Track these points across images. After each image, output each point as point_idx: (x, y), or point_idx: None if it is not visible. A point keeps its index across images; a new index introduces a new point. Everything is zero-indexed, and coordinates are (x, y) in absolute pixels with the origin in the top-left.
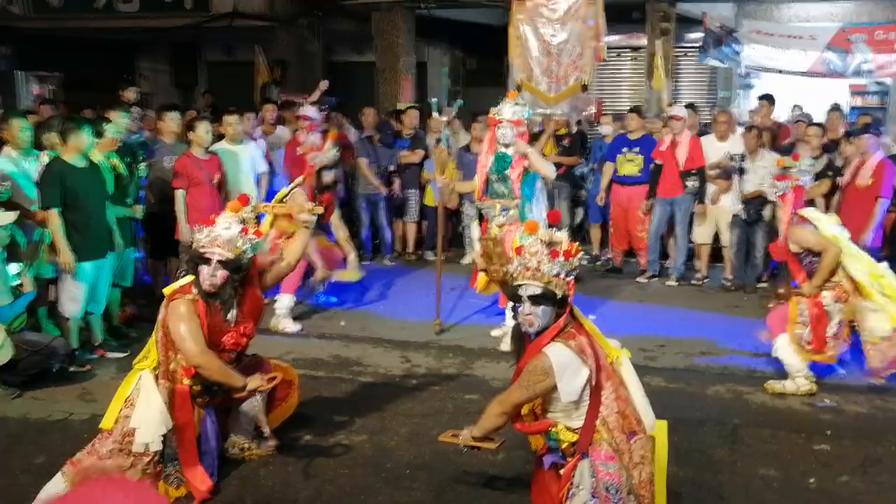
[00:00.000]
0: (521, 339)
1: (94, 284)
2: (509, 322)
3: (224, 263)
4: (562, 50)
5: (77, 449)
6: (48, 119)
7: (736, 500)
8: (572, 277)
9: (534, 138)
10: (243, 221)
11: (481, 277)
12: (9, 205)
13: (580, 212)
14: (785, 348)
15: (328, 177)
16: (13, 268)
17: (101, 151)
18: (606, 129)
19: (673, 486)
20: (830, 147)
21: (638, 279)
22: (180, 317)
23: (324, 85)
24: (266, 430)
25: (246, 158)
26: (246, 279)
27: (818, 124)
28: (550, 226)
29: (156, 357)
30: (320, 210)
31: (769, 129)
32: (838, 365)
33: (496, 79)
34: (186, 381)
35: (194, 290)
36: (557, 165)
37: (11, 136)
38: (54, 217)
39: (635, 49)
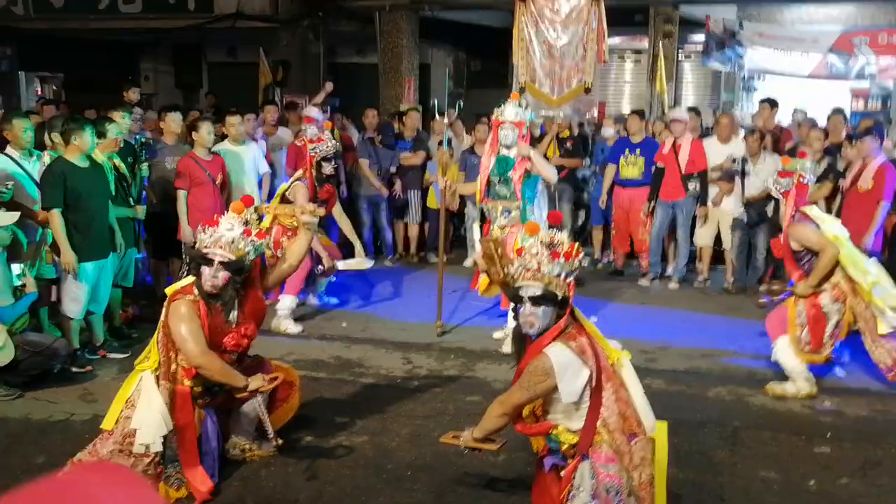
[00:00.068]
0: (523, 341)
1: (95, 285)
2: (511, 324)
3: (226, 265)
4: (565, 52)
5: (78, 449)
6: (50, 119)
7: (736, 502)
8: (573, 278)
9: (535, 141)
10: (246, 223)
11: (483, 279)
12: (11, 205)
13: (582, 214)
14: (784, 351)
15: (328, 168)
16: (16, 268)
17: (103, 152)
18: (609, 131)
19: (673, 488)
20: (832, 150)
21: (639, 281)
22: (181, 317)
23: (329, 87)
24: (270, 431)
25: (249, 159)
26: (248, 280)
27: (820, 128)
28: (551, 227)
29: (157, 358)
30: (322, 212)
31: (771, 133)
32: (838, 367)
33: (499, 81)
34: (187, 382)
35: (195, 291)
36: (560, 168)
37: (13, 137)
38: (56, 217)
39: (638, 52)
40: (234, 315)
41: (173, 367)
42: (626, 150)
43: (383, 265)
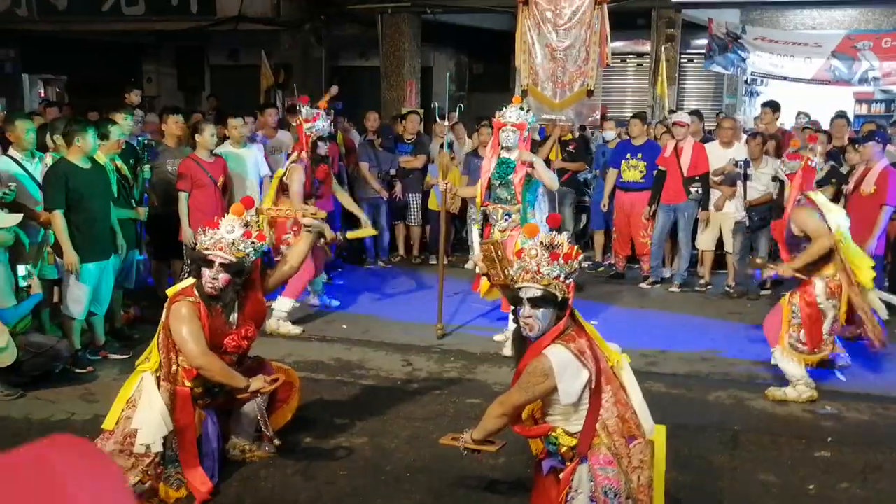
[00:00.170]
0: (523, 343)
1: (97, 286)
2: (511, 327)
3: (226, 266)
4: (567, 55)
5: None
6: (52, 121)
7: None
8: (572, 280)
9: (536, 145)
10: (246, 224)
11: (484, 282)
12: (13, 206)
13: (584, 217)
14: (779, 353)
15: (323, 148)
16: (21, 269)
17: (105, 153)
18: (610, 134)
19: (673, 492)
20: (835, 154)
21: (641, 285)
22: (181, 319)
23: (334, 90)
24: (268, 431)
25: (250, 161)
26: (248, 282)
27: (823, 131)
28: (551, 229)
29: (157, 359)
30: (323, 214)
31: (773, 136)
32: (839, 372)
33: (501, 84)
34: (188, 383)
35: (196, 293)
36: (562, 171)
37: (16, 138)
38: (58, 218)
39: (640, 55)
40: (234, 317)
41: (174, 368)
42: (628, 154)
43: (376, 265)
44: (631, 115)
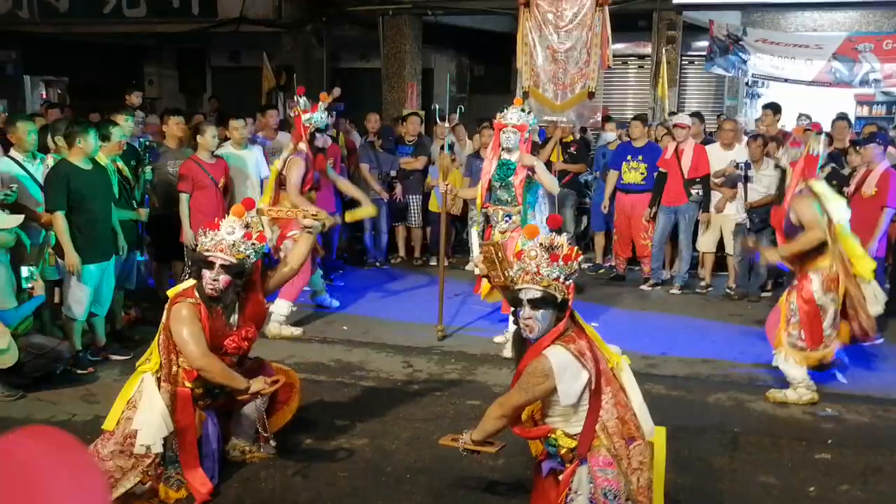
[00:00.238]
0: (523, 344)
1: (98, 287)
2: (512, 328)
3: (227, 268)
4: (568, 57)
5: None
6: (54, 122)
7: None
8: (572, 281)
9: (536, 147)
10: (247, 226)
11: (485, 284)
12: (14, 207)
13: (585, 219)
14: (785, 356)
15: (320, 140)
16: (25, 271)
17: (106, 155)
18: (610, 135)
19: (673, 494)
20: (836, 156)
21: (641, 287)
22: (182, 320)
23: (336, 92)
24: (265, 432)
25: (251, 163)
26: (249, 283)
27: (826, 134)
28: (551, 230)
29: (158, 360)
30: (324, 216)
31: (774, 138)
32: (840, 373)
33: (502, 86)
34: (188, 384)
35: (196, 294)
36: (564, 173)
37: (17, 139)
38: (60, 219)
39: (641, 57)
40: (234, 318)
41: (174, 369)
42: (629, 156)
43: (378, 268)
44: (632, 116)
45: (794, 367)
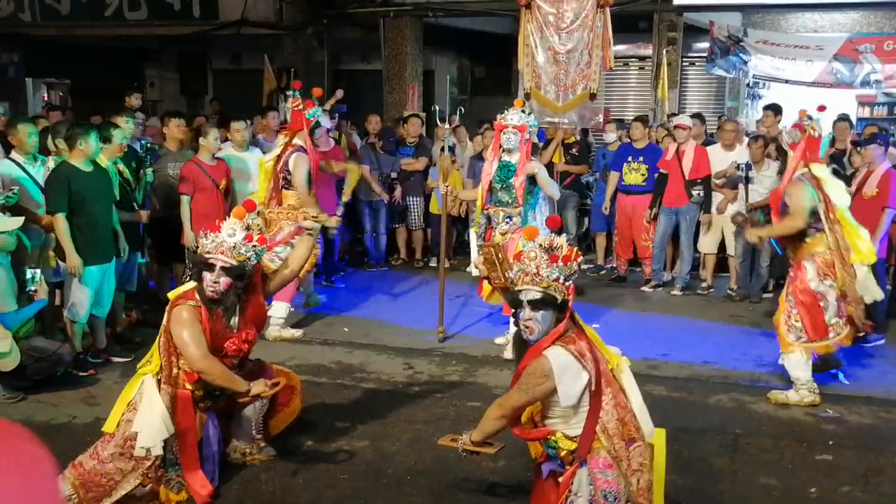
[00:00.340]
0: (524, 345)
1: (99, 288)
2: (512, 330)
3: (227, 270)
4: (570, 59)
5: (79, 452)
6: (55, 124)
7: None
8: (571, 282)
9: (537, 148)
10: (248, 228)
11: (487, 286)
12: (16, 209)
13: (587, 220)
14: (793, 359)
15: (321, 137)
16: (29, 273)
17: (108, 157)
18: (611, 136)
19: (673, 495)
20: (838, 157)
21: (642, 288)
22: (183, 322)
23: (339, 94)
24: (259, 434)
25: (252, 165)
26: (249, 286)
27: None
28: (550, 231)
29: (159, 362)
30: (324, 217)
31: (775, 140)
32: (842, 374)
33: (503, 87)
34: (189, 386)
35: (197, 297)
36: (566, 174)
37: (18, 141)
38: (61, 221)
39: (642, 58)
40: (235, 320)
41: (175, 371)
42: (630, 157)
43: (374, 269)
44: (633, 118)
45: (799, 367)
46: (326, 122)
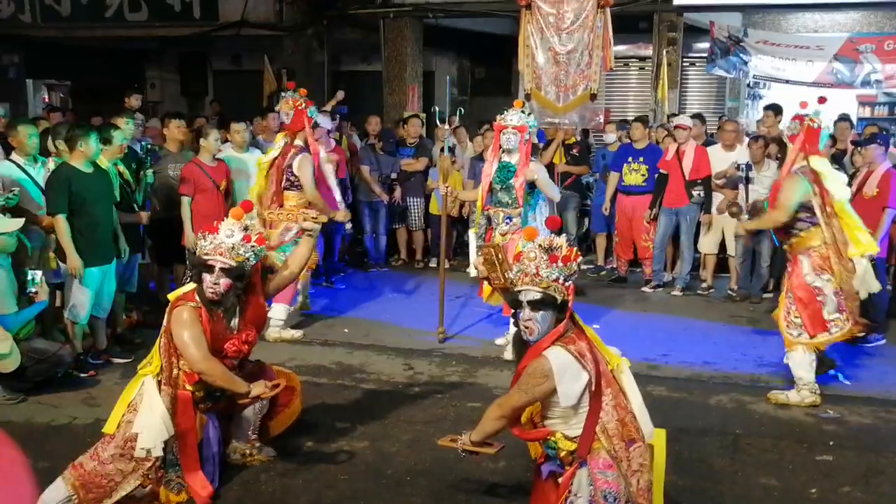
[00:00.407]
0: (524, 346)
1: (99, 290)
2: (513, 330)
3: (226, 271)
4: (570, 59)
5: (80, 453)
6: (55, 126)
7: None
8: (571, 282)
9: (537, 148)
10: (246, 228)
11: (487, 286)
12: (16, 211)
13: (587, 221)
14: (798, 360)
15: (320, 135)
16: (30, 275)
17: (108, 158)
18: (611, 136)
19: (673, 496)
20: (839, 157)
21: (643, 289)
22: (183, 323)
23: (340, 95)
24: (253, 435)
25: (253, 166)
26: (249, 286)
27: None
28: (550, 232)
29: (159, 363)
30: (325, 218)
31: (775, 140)
32: (842, 375)
33: (503, 88)
34: (189, 388)
35: (197, 298)
36: (567, 175)
37: (18, 143)
38: (61, 222)
39: (642, 59)
40: (235, 321)
41: (175, 372)
42: (630, 157)
43: (375, 270)
44: (633, 118)
45: (803, 367)
46: (325, 123)
